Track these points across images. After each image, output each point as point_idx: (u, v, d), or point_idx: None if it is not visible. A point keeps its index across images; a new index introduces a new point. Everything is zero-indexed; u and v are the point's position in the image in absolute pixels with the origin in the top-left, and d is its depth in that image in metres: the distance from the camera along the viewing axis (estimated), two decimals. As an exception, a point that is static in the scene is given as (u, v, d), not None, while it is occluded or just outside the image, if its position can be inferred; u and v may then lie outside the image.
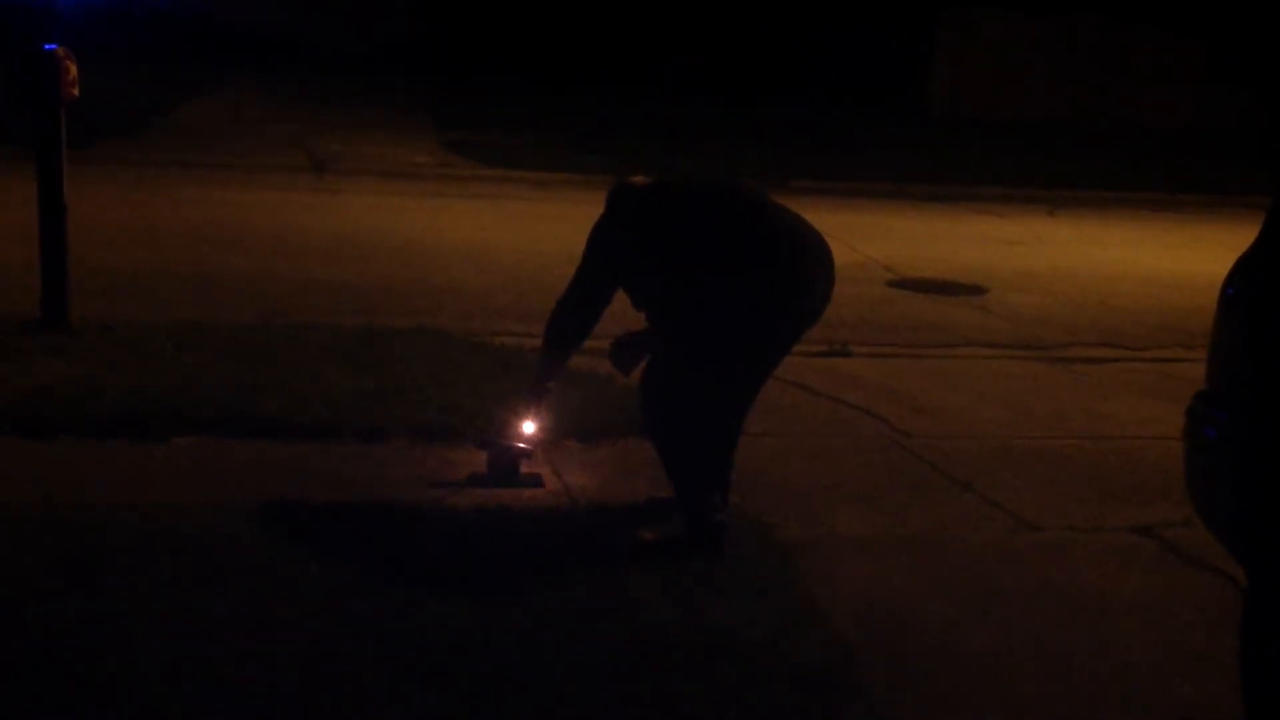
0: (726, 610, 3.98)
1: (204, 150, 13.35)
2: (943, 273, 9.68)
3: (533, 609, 3.90)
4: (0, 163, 10.08)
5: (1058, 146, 17.86)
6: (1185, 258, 11.02)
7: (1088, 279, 9.94)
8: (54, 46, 6.29)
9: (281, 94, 17.98)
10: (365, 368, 6.04)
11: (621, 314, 4.69)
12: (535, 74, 20.81)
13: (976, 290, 9.24)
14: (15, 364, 5.81)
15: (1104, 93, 22.40)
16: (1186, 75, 22.77)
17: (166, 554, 4.10)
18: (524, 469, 4.97)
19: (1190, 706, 3.65)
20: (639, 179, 4.61)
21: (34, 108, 6.36)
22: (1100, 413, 6.50)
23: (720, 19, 22.38)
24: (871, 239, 10.66)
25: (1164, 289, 9.66)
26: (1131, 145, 18.55)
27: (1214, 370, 3.13)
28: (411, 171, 13.34)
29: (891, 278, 9.38)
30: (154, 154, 12.90)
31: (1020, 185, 14.61)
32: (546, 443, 5.18)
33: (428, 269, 8.78)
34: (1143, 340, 8.07)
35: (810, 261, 4.38)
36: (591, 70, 20.99)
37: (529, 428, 4.96)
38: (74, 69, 6.36)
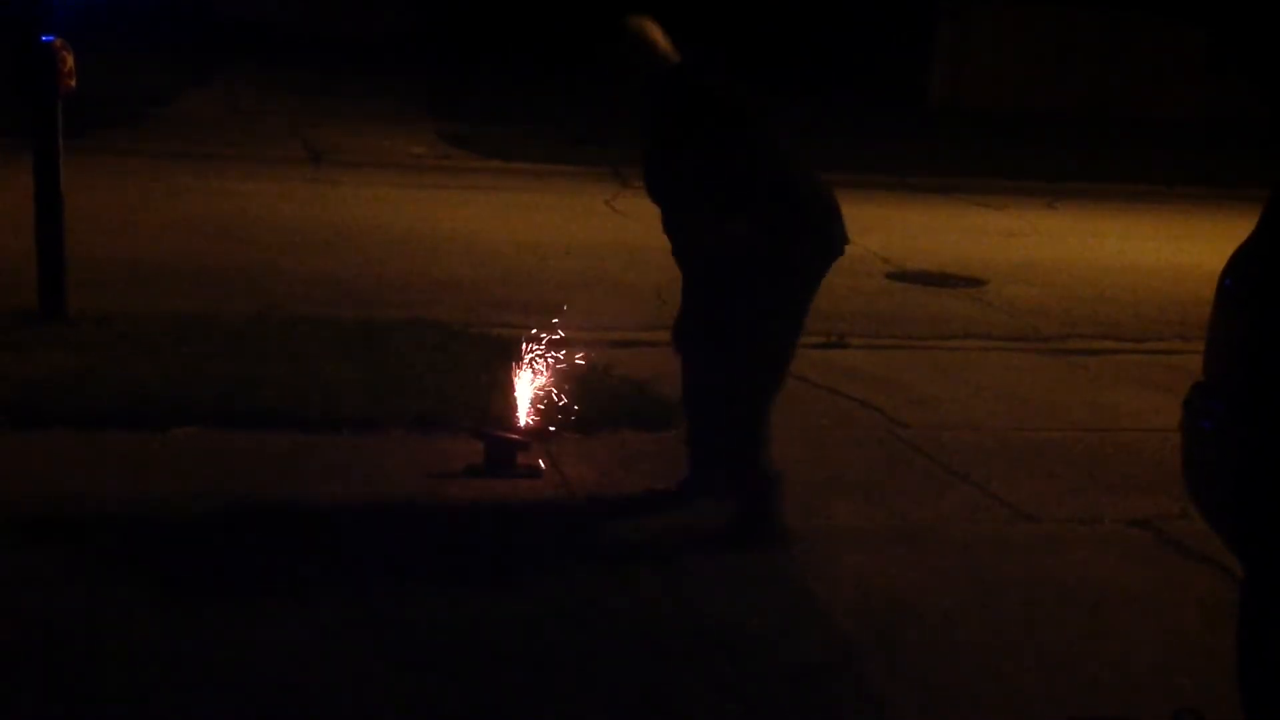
0: (724, 602, 3.98)
1: (202, 141, 13.33)
2: (941, 265, 9.68)
3: (530, 601, 3.91)
4: (-3, 154, 10.06)
5: (1057, 138, 17.85)
6: (1183, 250, 11.01)
7: (1086, 271, 9.93)
8: (51, 38, 6.27)
9: (279, 86, 17.95)
10: (363, 359, 6.04)
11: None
12: (533, 67, 20.78)
13: (975, 282, 9.24)
14: (13, 355, 5.81)
15: (1103, 85, 22.38)
16: (1186, 67, 22.75)
17: (164, 545, 4.10)
18: (521, 460, 4.96)
19: (1188, 699, 3.65)
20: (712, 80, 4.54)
21: (31, 99, 6.35)
22: (1098, 404, 6.50)
23: (720, 12, 22.36)
24: (870, 231, 10.63)
25: (1162, 281, 9.65)
26: (1131, 137, 18.53)
27: (1211, 362, 3.13)
28: (409, 163, 13.33)
29: (890, 270, 9.37)
30: (152, 145, 12.87)
31: (1019, 177, 14.60)
32: (543, 434, 5.18)
33: (425, 261, 8.78)
34: (1141, 332, 8.07)
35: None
36: (590, 63, 20.99)
37: (524, 418, 4.97)
38: (71, 60, 6.35)
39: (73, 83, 6.39)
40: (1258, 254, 3.05)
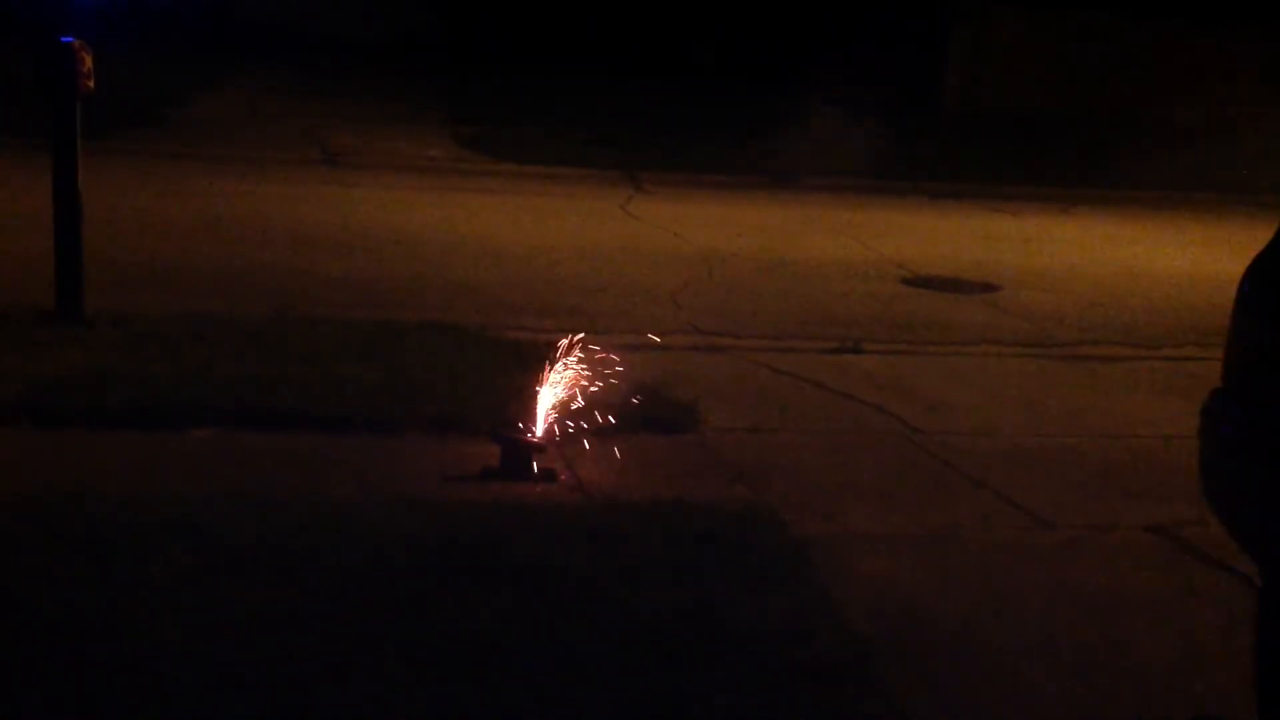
0: (740, 605, 3.98)
1: (218, 143, 13.36)
2: (956, 270, 9.66)
3: (547, 602, 3.91)
4: (16, 154, 10.12)
5: (1072, 143, 17.80)
6: (1199, 255, 10.98)
7: (1102, 277, 9.91)
8: (70, 39, 6.30)
9: (295, 87, 17.97)
10: (379, 361, 6.05)
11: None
12: (548, 67, 20.80)
13: (990, 288, 9.22)
14: (31, 355, 5.83)
15: (1119, 89, 22.33)
16: (1203, 72, 22.69)
17: (182, 544, 4.11)
18: (537, 463, 4.97)
19: (1204, 704, 3.65)
20: None
21: (50, 100, 6.38)
22: (1114, 410, 6.49)
23: (734, 12, 22.36)
24: (885, 236, 10.64)
25: (1178, 287, 9.63)
26: (1147, 142, 18.48)
27: (1230, 368, 3.13)
28: (425, 165, 13.34)
29: (905, 275, 9.37)
30: (169, 146, 12.91)
31: (1035, 182, 14.56)
32: (560, 437, 5.19)
33: (440, 263, 8.79)
34: (1157, 338, 8.05)
35: None
36: (605, 63, 20.99)
37: (540, 421, 4.98)
38: (90, 61, 6.37)
39: (91, 84, 6.41)
40: (1277, 260, 3.05)
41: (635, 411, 5.55)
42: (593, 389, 5.54)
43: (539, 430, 5.11)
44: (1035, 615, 4.16)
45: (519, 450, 4.96)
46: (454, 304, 7.58)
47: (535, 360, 5.94)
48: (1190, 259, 10.92)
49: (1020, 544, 4.75)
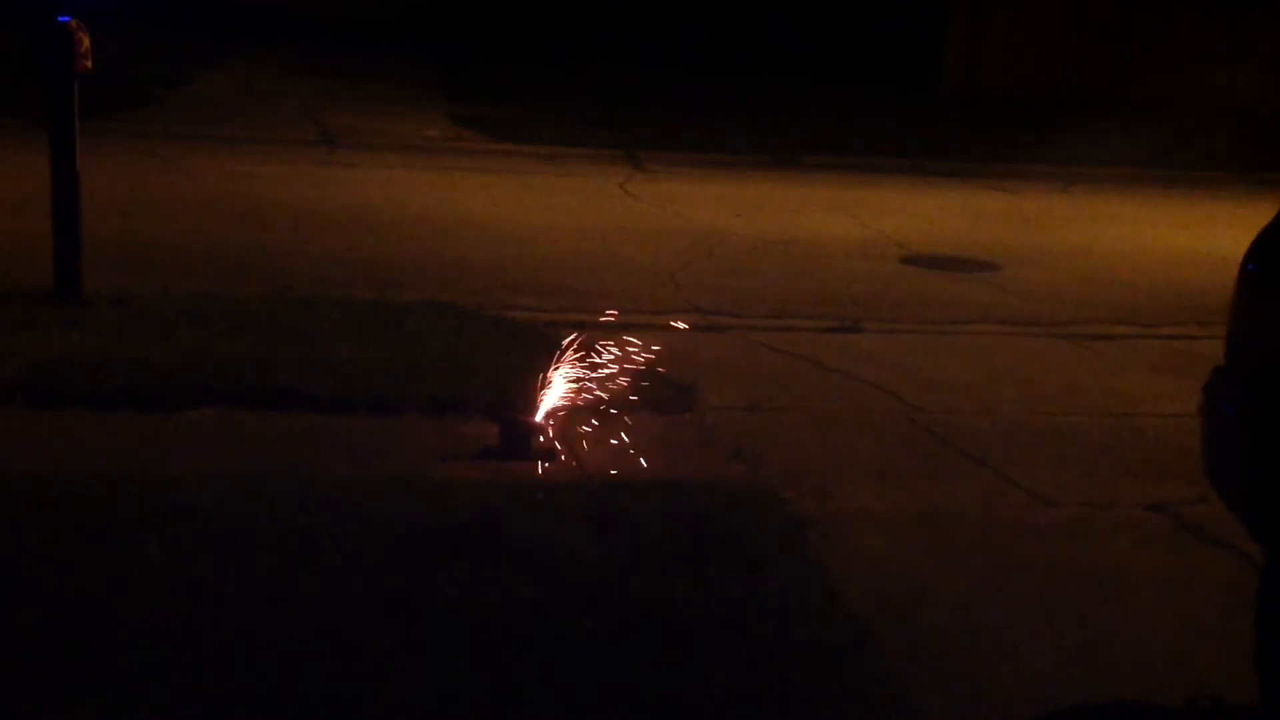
0: (740, 584, 3.98)
1: (217, 123, 13.31)
2: (955, 249, 9.63)
3: (546, 582, 3.91)
4: (13, 135, 10.08)
5: (1072, 122, 17.75)
6: (1199, 234, 10.94)
7: (1101, 255, 9.89)
8: (67, 19, 6.27)
9: (294, 69, 17.91)
10: (377, 341, 6.04)
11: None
12: (546, 48, 20.75)
13: (989, 267, 9.20)
14: (29, 335, 5.81)
15: (1120, 69, 22.27)
16: (1205, 52, 22.63)
17: (180, 525, 4.11)
18: (536, 443, 4.96)
19: (1205, 682, 3.65)
20: None
21: (47, 80, 6.36)
22: (1114, 389, 6.48)
23: (734, -2, 22.32)
24: (884, 215, 10.62)
25: (1179, 266, 9.61)
26: (1147, 122, 18.44)
27: (1232, 346, 3.12)
28: (422, 145, 13.30)
29: (904, 254, 9.34)
30: (167, 127, 12.86)
31: (1033, 161, 14.52)
32: (558, 416, 5.18)
33: (439, 243, 8.77)
34: (1157, 317, 8.03)
35: None
36: (603, 44, 20.93)
37: (539, 401, 4.97)
38: (86, 41, 6.35)
39: (89, 64, 6.39)
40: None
41: (634, 391, 5.54)
42: (591, 368, 5.53)
43: (537, 410, 5.10)
44: (1035, 594, 4.16)
45: (517, 430, 4.95)
46: (452, 283, 7.55)
47: (533, 340, 5.94)
48: (1190, 237, 10.89)
49: (1020, 522, 4.75)
